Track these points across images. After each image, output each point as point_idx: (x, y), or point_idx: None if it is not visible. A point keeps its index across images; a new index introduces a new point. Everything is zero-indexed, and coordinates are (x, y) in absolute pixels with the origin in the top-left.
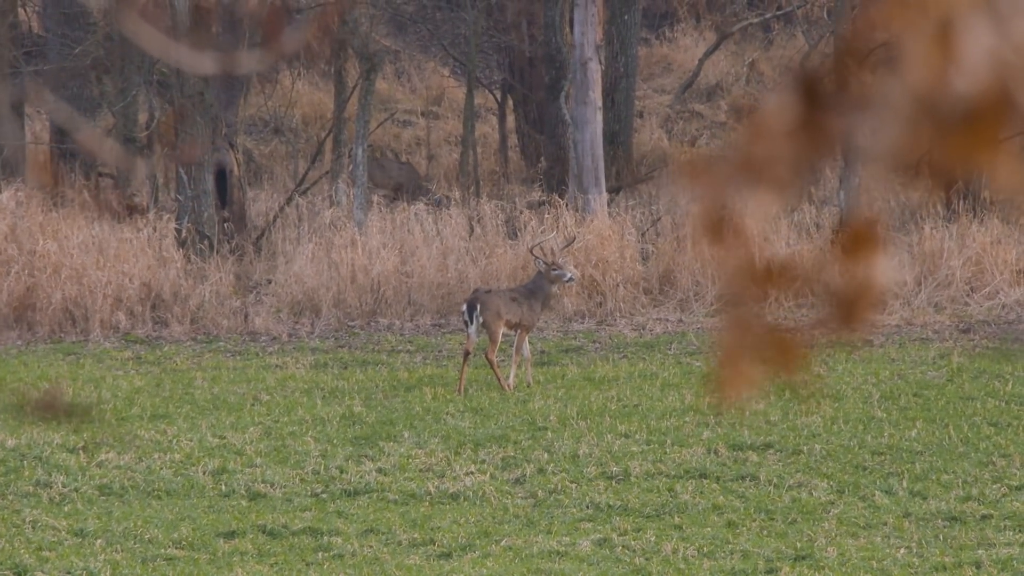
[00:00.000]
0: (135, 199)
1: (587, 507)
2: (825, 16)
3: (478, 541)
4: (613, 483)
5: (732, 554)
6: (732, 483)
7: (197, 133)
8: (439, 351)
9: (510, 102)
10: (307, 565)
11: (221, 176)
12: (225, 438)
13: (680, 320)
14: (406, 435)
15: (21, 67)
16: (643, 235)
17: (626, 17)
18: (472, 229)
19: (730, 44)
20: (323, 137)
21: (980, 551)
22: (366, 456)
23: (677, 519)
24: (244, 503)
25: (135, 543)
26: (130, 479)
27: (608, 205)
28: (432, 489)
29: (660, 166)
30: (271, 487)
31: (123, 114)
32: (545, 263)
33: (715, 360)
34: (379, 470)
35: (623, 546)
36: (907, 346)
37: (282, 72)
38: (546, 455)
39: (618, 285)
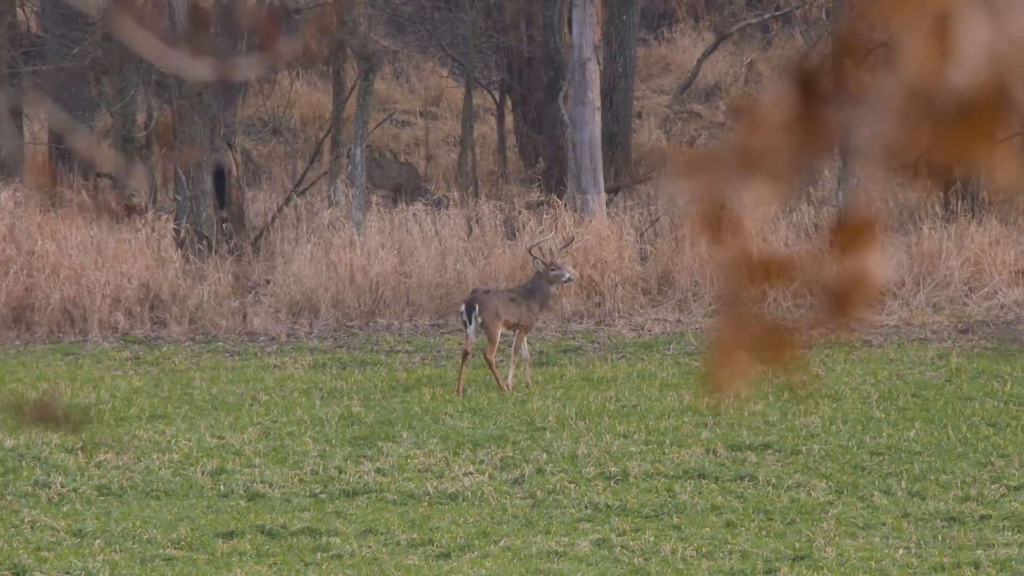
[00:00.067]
0: (133, 199)
1: (586, 507)
2: (823, 16)
3: (477, 541)
4: (612, 483)
5: (731, 554)
6: (731, 483)
7: (195, 133)
8: (438, 351)
9: (508, 102)
10: (306, 565)
11: (219, 176)
12: (224, 438)
13: (679, 320)
14: (405, 435)
15: (19, 67)
16: (641, 235)
17: (624, 17)
18: (471, 229)
19: (728, 44)
20: (322, 137)
21: (979, 551)
22: (365, 456)
23: (676, 519)
24: (243, 503)
25: (134, 543)
26: (129, 479)
27: (607, 205)
28: (431, 489)
29: (657, 166)
30: (270, 487)
31: (121, 114)
32: (544, 263)
33: (710, 354)
34: (378, 470)
35: (622, 546)
36: (906, 346)
37: (280, 73)
38: (545, 455)
39: (616, 285)
